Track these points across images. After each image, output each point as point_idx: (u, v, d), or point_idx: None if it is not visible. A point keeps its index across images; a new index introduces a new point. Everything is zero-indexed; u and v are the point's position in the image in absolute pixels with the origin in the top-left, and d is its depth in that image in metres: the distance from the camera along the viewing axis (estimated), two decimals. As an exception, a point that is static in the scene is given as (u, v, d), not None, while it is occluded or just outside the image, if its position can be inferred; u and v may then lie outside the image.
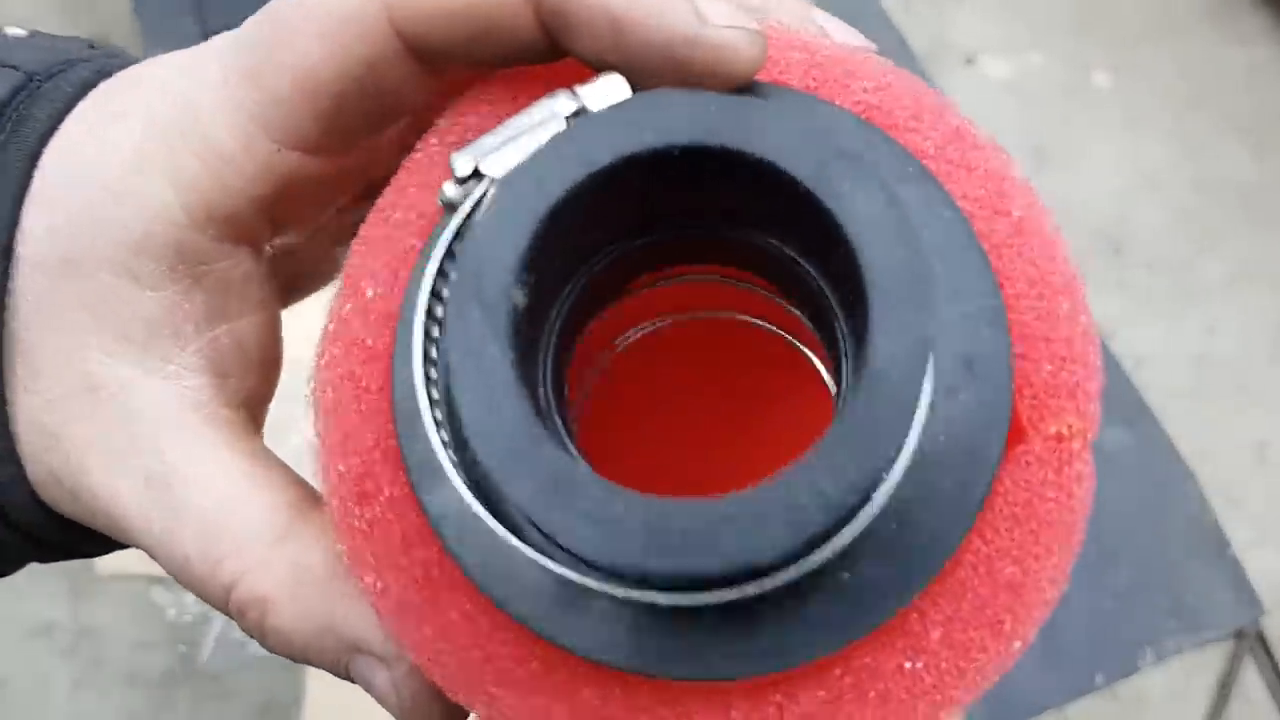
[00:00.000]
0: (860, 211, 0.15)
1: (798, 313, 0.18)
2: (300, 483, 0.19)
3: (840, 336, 0.17)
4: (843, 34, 0.21)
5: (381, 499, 0.17)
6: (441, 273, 0.16)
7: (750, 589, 0.15)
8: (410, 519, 0.17)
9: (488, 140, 0.16)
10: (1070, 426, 0.16)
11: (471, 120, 0.18)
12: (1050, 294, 0.17)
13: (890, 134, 0.18)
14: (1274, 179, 1.59)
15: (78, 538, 0.21)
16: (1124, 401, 0.68)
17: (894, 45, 0.80)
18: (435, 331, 0.16)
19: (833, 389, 0.19)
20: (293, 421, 0.18)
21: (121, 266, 0.18)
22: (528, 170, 0.15)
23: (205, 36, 0.67)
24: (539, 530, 0.15)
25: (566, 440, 0.17)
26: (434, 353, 0.16)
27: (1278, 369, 1.45)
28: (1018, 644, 0.17)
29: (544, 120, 0.16)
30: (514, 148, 0.16)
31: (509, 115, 0.17)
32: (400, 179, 0.18)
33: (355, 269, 0.18)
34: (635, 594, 0.15)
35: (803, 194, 0.15)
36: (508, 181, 0.15)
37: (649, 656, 0.15)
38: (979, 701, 0.55)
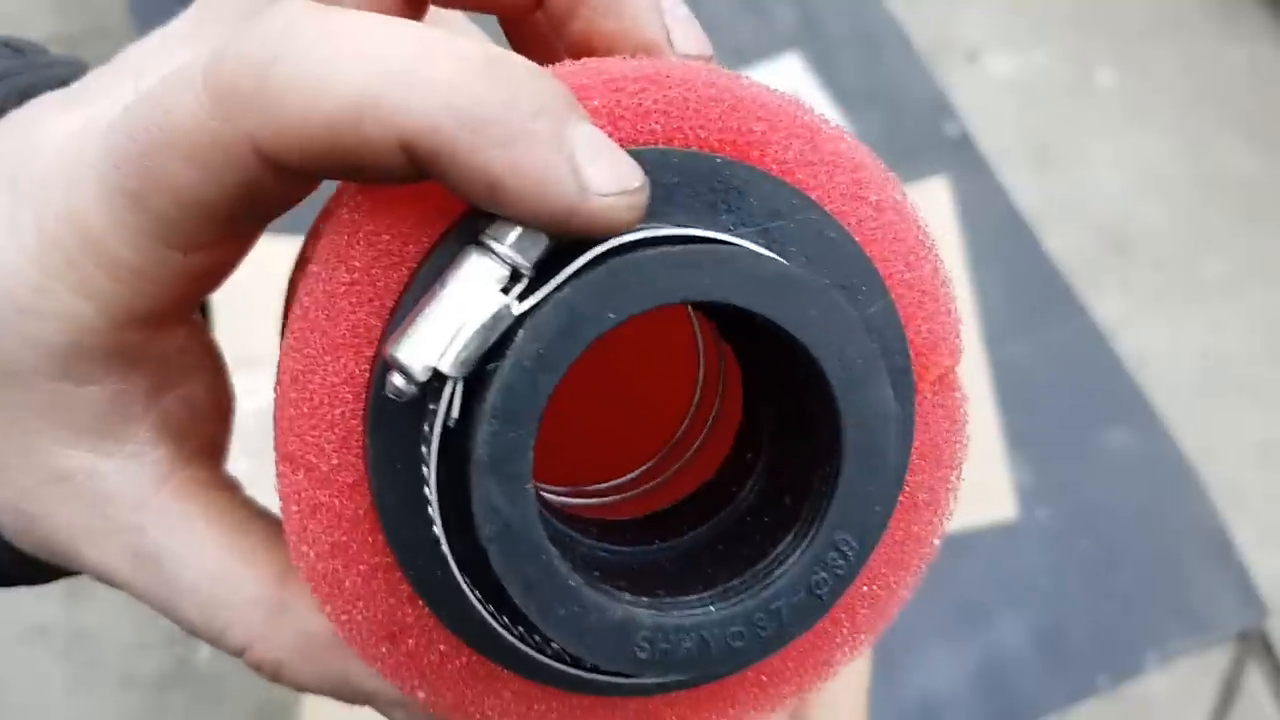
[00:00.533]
0: (817, 325, 0.16)
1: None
2: (283, 543, 0.19)
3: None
4: (690, 40, 0.20)
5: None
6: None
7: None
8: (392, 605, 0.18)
9: (423, 328, 0.16)
10: (947, 365, 0.19)
11: (359, 264, 0.17)
12: (915, 262, 0.19)
13: (758, 162, 0.18)
14: (1277, 177, 1.59)
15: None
16: (1128, 401, 0.68)
17: (897, 42, 0.80)
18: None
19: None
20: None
21: (58, 372, 0.19)
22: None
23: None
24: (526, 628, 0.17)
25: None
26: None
27: (1281, 368, 1.45)
28: (934, 545, 0.20)
29: (479, 297, 0.16)
30: (463, 339, 0.16)
31: (407, 266, 0.17)
32: (298, 332, 0.17)
33: (292, 445, 0.17)
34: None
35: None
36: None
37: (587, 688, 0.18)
38: (982, 705, 0.54)
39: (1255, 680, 1.25)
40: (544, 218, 0.16)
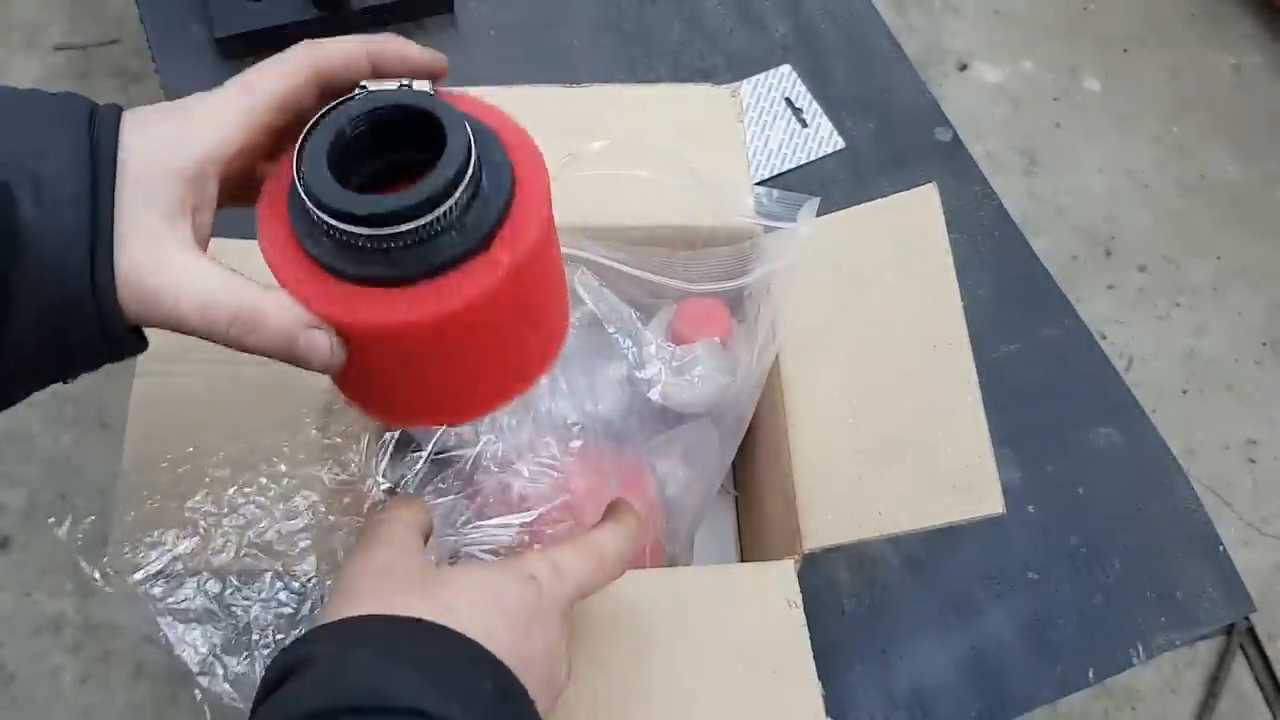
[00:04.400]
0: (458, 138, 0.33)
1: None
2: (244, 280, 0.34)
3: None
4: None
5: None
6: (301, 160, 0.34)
7: (409, 232, 0.32)
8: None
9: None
10: (545, 183, 0.36)
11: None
12: (526, 157, 0.36)
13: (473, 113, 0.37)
14: (1261, 181, 1.61)
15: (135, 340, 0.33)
16: (1114, 400, 0.70)
17: (890, 52, 0.82)
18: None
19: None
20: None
21: (189, 184, 0.33)
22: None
23: (211, 43, 0.68)
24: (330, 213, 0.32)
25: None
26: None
27: (1265, 368, 1.47)
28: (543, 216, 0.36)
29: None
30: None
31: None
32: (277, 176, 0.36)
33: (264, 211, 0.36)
34: (364, 231, 0.32)
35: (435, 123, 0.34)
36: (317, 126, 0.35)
37: (367, 271, 0.33)
38: (972, 697, 0.55)
39: (1241, 672, 1.27)
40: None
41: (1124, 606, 0.63)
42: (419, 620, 0.32)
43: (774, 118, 0.77)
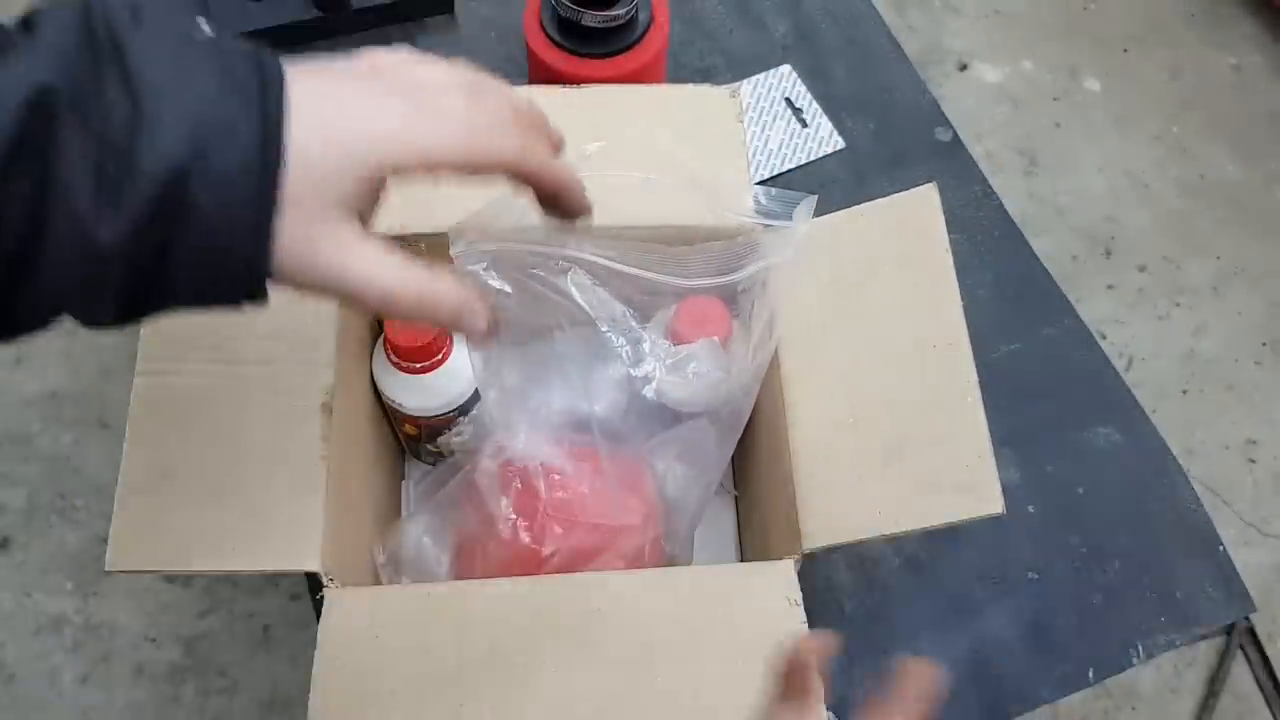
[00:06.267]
0: None
1: None
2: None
3: None
4: None
5: None
6: None
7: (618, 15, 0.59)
8: None
9: None
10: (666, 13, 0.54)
11: None
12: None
13: None
14: (1261, 181, 1.61)
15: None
16: (1114, 400, 0.70)
17: (890, 52, 0.82)
18: None
19: None
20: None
21: (372, 186, 0.32)
22: None
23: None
24: None
25: None
26: None
27: (1264, 368, 1.47)
28: None
29: None
30: None
31: None
32: None
33: None
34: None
35: None
36: None
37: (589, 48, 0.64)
38: (972, 697, 0.55)
39: (1241, 672, 1.27)
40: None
41: (1124, 606, 0.63)
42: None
43: (774, 118, 0.77)
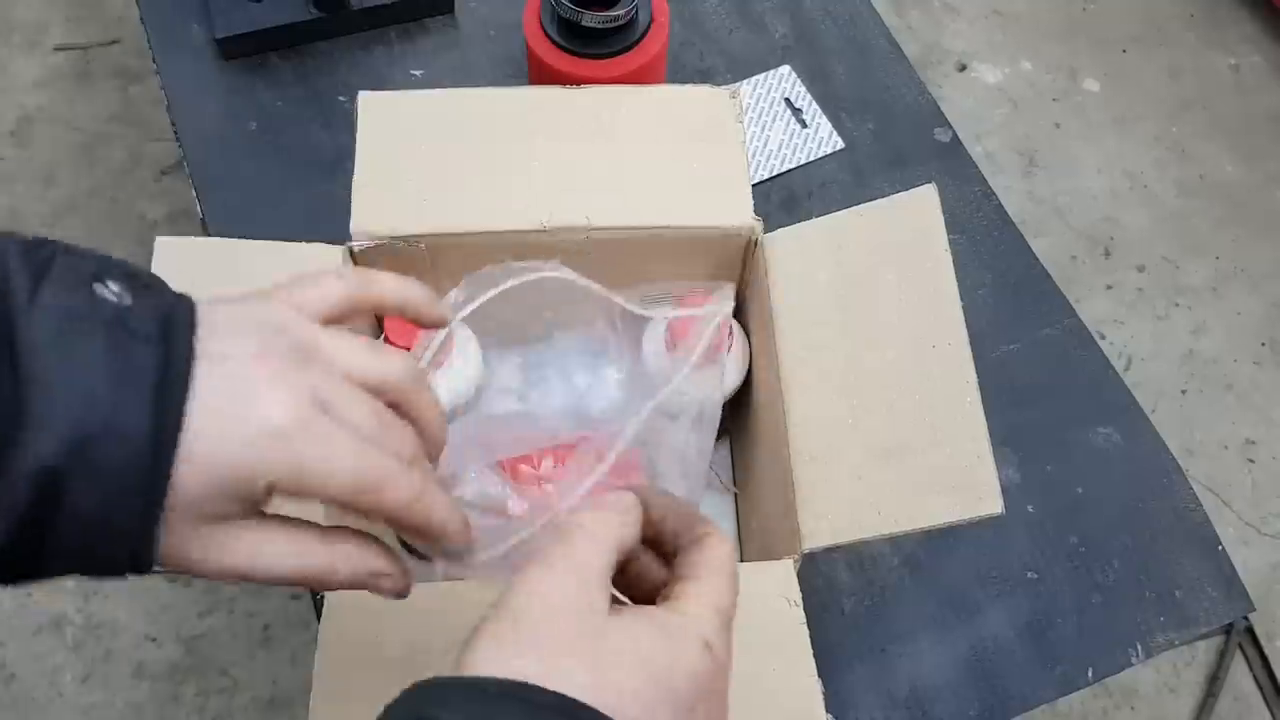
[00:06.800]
0: None
1: None
2: None
3: None
4: None
5: None
6: None
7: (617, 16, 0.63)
8: None
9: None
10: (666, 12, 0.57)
11: None
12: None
13: None
14: (1259, 181, 1.61)
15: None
16: (1113, 401, 0.70)
17: (889, 52, 0.82)
18: None
19: None
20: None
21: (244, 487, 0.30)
22: None
23: (211, 43, 0.68)
24: None
25: None
26: None
27: (1263, 368, 1.47)
28: None
29: None
30: None
31: None
32: None
33: None
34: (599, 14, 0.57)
35: None
36: None
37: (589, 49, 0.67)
38: (972, 696, 0.55)
39: (1240, 672, 1.27)
40: None
41: (1123, 606, 0.63)
42: (572, 706, 0.27)
43: (773, 118, 0.77)
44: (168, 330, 0.29)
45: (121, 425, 0.27)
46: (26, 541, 0.27)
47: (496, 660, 0.28)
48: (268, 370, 0.30)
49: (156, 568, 0.30)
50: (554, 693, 0.27)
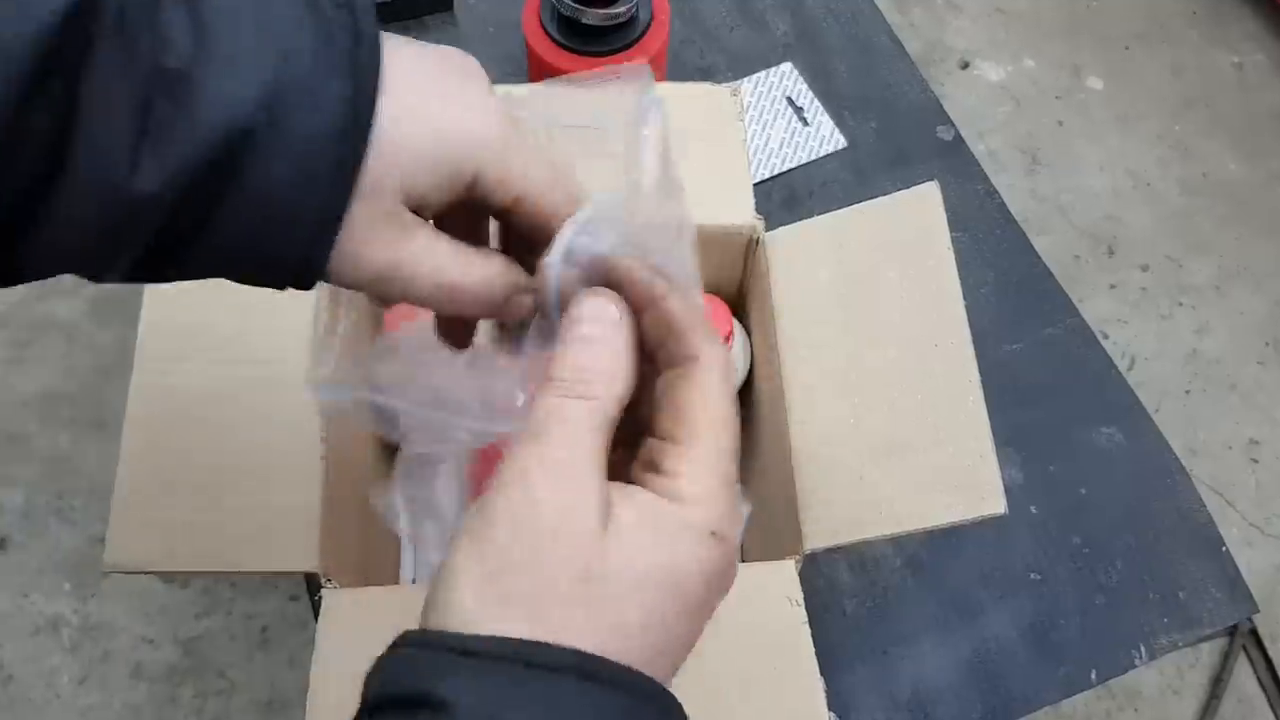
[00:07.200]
0: None
1: None
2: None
3: None
4: None
5: None
6: None
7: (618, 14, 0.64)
8: None
9: None
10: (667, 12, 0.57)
11: None
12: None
13: None
14: (1263, 180, 1.61)
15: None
16: (1117, 400, 0.69)
17: (891, 50, 0.81)
18: None
19: None
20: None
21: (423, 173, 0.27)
22: None
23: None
24: None
25: None
26: None
27: (1268, 368, 1.47)
28: None
29: None
30: None
31: None
32: None
33: None
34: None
35: None
36: None
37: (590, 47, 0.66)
38: (974, 698, 0.55)
39: (1244, 673, 1.27)
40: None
41: (1126, 607, 0.63)
42: (580, 662, 0.24)
43: (775, 116, 0.77)
44: (354, 7, 0.25)
45: (321, 81, 0.24)
46: (191, 213, 0.24)
47: (485, 615, 0.24)
48: (460, 77, 0.27)
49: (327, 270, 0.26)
50: (566, 649, 0.24)
